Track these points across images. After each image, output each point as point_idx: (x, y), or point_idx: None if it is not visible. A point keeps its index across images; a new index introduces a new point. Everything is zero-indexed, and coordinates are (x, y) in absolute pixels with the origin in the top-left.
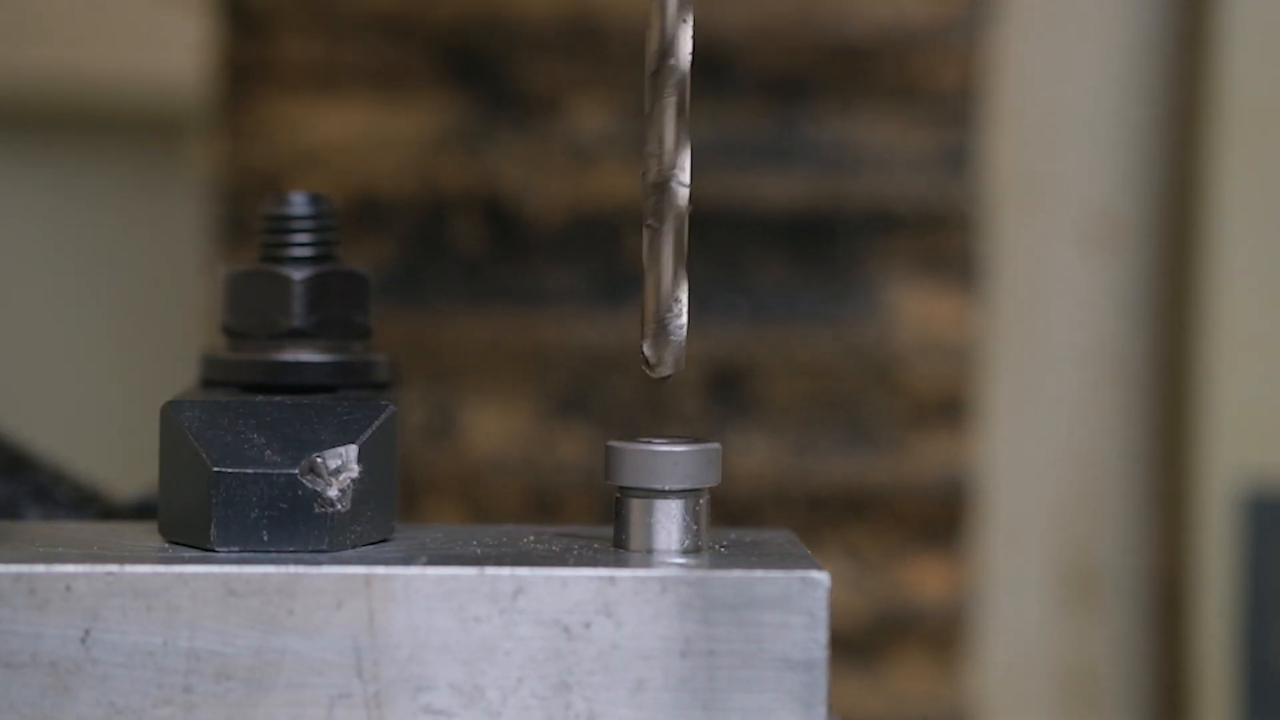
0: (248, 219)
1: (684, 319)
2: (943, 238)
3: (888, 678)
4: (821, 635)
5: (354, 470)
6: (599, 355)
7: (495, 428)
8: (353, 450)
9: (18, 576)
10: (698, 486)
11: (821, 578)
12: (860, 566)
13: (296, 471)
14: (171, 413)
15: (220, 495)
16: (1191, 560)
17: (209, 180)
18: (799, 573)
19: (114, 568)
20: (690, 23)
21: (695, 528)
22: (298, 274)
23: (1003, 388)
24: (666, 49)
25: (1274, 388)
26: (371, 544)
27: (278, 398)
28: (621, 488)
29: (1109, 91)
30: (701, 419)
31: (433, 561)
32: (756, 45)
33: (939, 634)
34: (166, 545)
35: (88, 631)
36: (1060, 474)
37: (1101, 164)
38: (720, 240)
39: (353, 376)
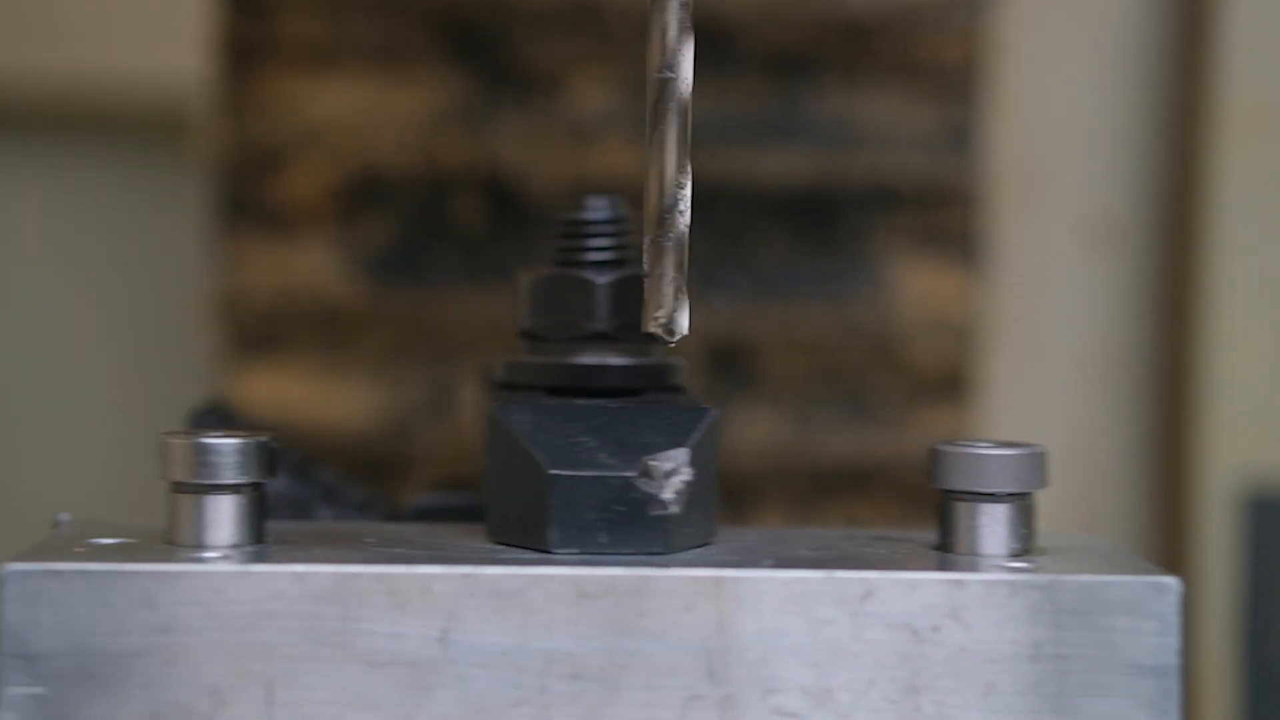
0: (249, 199)
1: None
2: (945, 214)
3: None
4: (1174, 641)
5: (686, 473)
6: None
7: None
8: (684, 454)
9: (379, 577)
10: (1026, 490)
11: (1173, 583)
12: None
13: (633, 474)
14: (499, 416)
15: (557, 498)
16: (1191, 560)
17: (211, 160)
18: (1150, 578)
19: (470, 569)
20: (691, 43)
21: (1024, 531)
22: (600, 278)
23: (1003, 386)
24: (669, 63)
25: (1274, 388)
26: (699, 546)
27: (599, 400)
28: (946, 491)
29: (1109, 91)
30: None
31: (779, 564)
32: (759, 22)
33: None
34: (500, 546)
35: (445, 631)
36: (1060, 473)
37: (1101, 164)
38: (722, 217)
39: (654, 380)
